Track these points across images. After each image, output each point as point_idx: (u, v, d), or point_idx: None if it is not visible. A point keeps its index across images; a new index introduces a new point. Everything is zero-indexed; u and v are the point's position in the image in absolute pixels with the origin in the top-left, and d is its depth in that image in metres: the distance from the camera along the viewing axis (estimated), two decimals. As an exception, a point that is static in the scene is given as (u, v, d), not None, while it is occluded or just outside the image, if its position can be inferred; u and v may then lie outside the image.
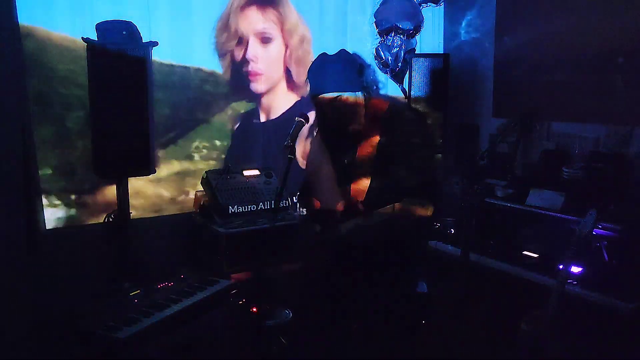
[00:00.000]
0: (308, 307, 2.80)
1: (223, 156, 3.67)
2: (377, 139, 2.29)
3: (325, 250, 2.40)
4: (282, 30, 3.71)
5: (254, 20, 3.62)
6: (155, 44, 2.92)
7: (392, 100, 2.40)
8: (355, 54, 2.38)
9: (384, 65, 3.88)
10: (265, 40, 3.66)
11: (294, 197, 3.56)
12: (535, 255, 3.07)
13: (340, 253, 2.36)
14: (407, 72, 3.89)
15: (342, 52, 2.32)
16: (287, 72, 3.79)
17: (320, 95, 2.27)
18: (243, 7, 3.57)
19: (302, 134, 2.31)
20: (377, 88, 2.39)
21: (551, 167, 3.27)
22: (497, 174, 3.60)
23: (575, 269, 2.71)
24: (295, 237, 3.17)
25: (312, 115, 2.38)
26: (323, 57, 2.32)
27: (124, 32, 2.80)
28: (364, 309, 2.44)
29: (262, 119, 3.79)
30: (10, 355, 2.77)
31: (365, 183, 2.29)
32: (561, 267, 2.57)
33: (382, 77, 3.98)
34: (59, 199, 3.10)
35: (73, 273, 3.08)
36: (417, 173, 2.29)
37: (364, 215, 2.22)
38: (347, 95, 2.24)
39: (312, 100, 2.35)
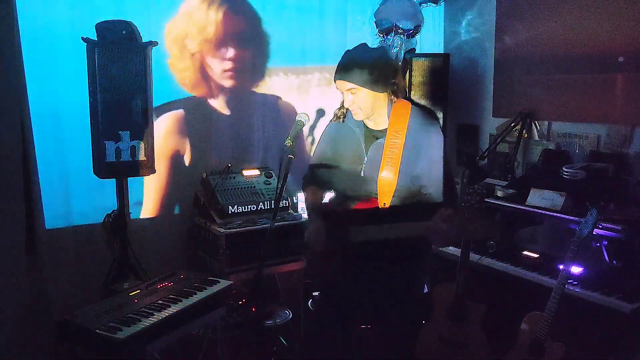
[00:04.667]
0: (311, 306, 2.80)
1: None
2: (401, 141, 2.27)
3: (335, 249, 2.37)
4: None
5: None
6: (155, 43, 2.92)
7: (413, 102, 2.39)
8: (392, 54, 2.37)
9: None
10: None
11: (294, 197, 3.56)
12: (536, 256, 3.07)
13: (353, 251, 2.34)
14: (407, 72, 3.89)
15: (381, 50, 2.31)
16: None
17: (341, 81, 2.25)
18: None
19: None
20: (405, 91, 2.37)
21: (551, 167, 3.27)
22: (497, 174, 3.60)
23: (576, 269, 2.71)
24: (295, 237, 3.17)
25: (311, 115, 2.38)
26: (361, 48, 2.31)
27: (124, 32, 2.80)
28: (372, 309, 2.44)
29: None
30: (10, 355, 2.76)
31: (386, 184, 2.27)
32: (561, 267, 2.57)
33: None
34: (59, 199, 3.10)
35: (73, 273, 3.08)
36: (438, 182, 2.29)
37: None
38: (366, 90, 2.23)
39: (335, 81, 2.32)
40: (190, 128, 3.52)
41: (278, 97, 3.84)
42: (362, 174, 2.33)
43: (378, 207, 2.29)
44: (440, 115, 3.81)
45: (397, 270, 2.32)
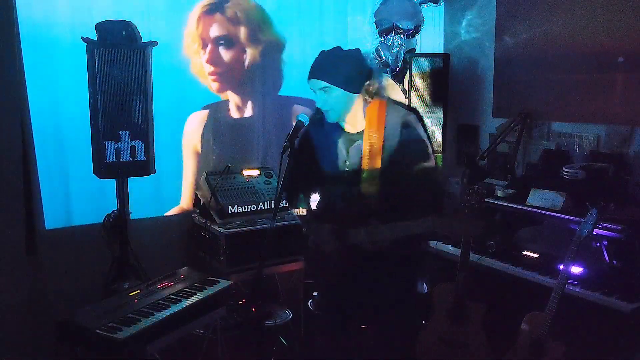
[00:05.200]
0: (311, 306, 2.79)
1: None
2: (379, 141, 2.26)
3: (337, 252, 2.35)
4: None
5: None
6: (155, 43, 2.92)
7: (390, 100, 2.38)
8: (367, 54, 2.36)
9: (384, 65, 3.88)
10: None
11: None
12: (536, 256, 3.07)
13: (350, 252, 2.33)
14: (407, 72, 3.89)
15: (356, 51, 2.30)
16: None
17: (314, 79, 2.22)
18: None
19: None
20: (381, 92, 2.36)
21: (551, 167, 3.27)
22: (497, 174, 3.60)
23: (576, 269, 2.71)
24: (295, 237, 3.17)
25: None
26: (336, 49, 2.30)
27: (124, 32, 2.80)
28: (371, 309, 2.44)
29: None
30: (10, 355, 2.77)
31: (370, 186, 2.27)
32: (561, 267, 2.57)
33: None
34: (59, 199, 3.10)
35: (73, 273, 3.09)
36: (424, 180, 2.29)
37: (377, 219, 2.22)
38: (340, 90, 2.22)
39: (308, 80, 2.30)
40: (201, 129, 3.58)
41: (277, 97, 3.84)
42: (345, 177, 2.32)
43: (366, 208, 2.27)
44: (440, 115, 3.81)
45: (394, 269, 2.32)
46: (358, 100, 2.28)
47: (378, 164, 2.24)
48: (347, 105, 2.26)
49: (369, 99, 2.29)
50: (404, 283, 2.42)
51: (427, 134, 2.34)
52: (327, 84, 2.20)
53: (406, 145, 2.26)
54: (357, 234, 2.22)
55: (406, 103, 3.91)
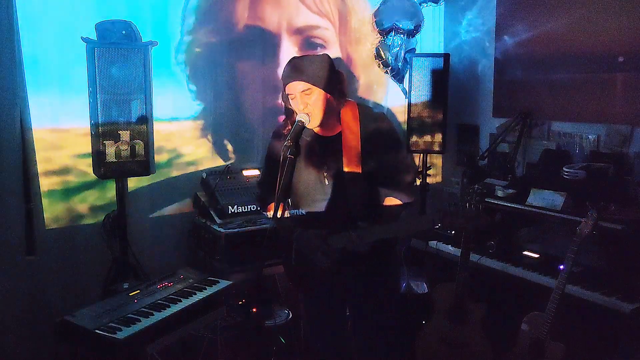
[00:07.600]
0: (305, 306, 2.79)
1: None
2: (357, 143, 2.25)
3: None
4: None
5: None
6: (155, 43, 2.92)
7: (359, 102, 2.39)
8: (337, 59, 2.36)
9: (384, 65, 3.89)
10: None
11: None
12: (536, 256, 3.07)
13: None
14: (407, 72, 3.90)
15: (326, 55, 2.30)
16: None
17: (296, 82, 2.19)
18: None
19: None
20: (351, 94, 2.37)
21: (551, 167, 3.27)
22: (497, 174, 3.60)
23: (576, 269, 2.71)
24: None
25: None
26: (307, 55, 2.32)
27: (124, 32, 2.80)
28: (359, 308, 2.44)
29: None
30: (10, 355, 2.77)
31: (352, 187, 2.27)
32: (561, 267, 2.57)
33: (382, 78, 4.00)
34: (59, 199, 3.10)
35: (73, 273, 3.09)
36: (402, 174, 2.33)
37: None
38: (320, 91, 2.21)
39: (282, 96, 2.30)
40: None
41: (277, 97, 3.84)
42: (325, 183, 2.30)
43: (351, 211, 2.25)
44: (440, 115, 3.81)
45: (377, 266, 2.34)
46: (332, 103, 2.26)
47: (359, 165, 2.24)
48: (326, 109, 2.24)
49: (342, 103, 2.29)
50: (388, 278, 2.44)
51: (398, 130, 2.35)
52: (310, 86, 2.18)
53: (382, 144, 2.28)
54: (349, 238, 2.20)
55: (406, 103, 3.92)
